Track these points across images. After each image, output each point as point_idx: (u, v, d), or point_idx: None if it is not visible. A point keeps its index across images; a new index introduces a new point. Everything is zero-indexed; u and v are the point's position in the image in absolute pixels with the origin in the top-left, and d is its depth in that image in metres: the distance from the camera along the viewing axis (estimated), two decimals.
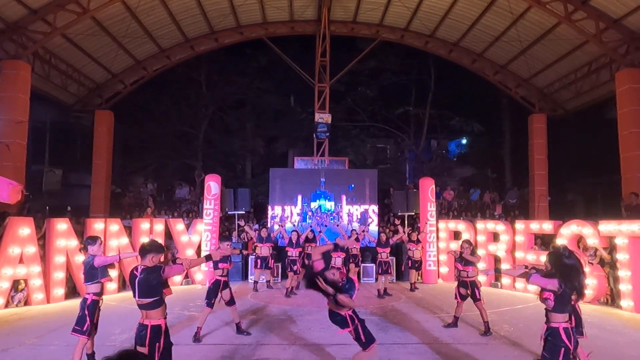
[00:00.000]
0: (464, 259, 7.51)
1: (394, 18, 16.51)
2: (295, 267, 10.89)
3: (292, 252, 11.07)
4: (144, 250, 4.13)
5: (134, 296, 4.09)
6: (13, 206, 11.72)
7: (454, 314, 7.69)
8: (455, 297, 7.63)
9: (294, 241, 11.17)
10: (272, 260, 11.74)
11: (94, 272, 5.34)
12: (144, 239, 11.52)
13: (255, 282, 11.52)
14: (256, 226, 15.46)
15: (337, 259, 10.25)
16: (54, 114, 18.56)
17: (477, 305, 7.35)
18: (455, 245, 12.87)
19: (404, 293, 11.17)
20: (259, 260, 11.48)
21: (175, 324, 7.75)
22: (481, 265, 11.60)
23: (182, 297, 10.30)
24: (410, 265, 11.86)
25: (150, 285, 4.03)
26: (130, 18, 13.87)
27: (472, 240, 12.49)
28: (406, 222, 14.07)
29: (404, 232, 12.28)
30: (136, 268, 4.11)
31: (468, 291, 7.46)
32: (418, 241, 12.00)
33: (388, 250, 10.88)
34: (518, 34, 14.39)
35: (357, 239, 11.75)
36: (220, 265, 7.01)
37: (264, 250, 11.45)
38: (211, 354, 6.08)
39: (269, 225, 14.24)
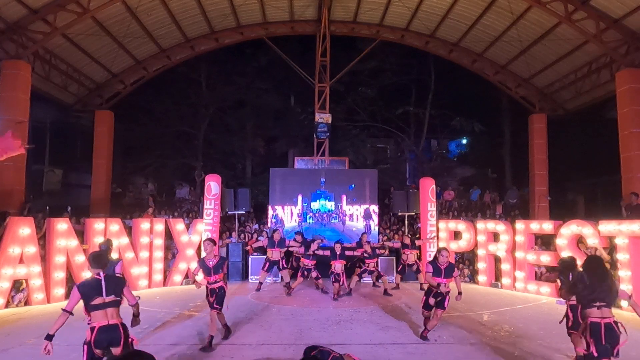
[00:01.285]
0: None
1: (394, 18, 16.50)
2: (340, 279, 10.30)
3: (308, 262, 10.80)
4: (104, 262, 4.68)
5: (101, 295, 4.30)
6: (13, 206, 11.75)
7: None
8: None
9: (337, 253, 10.50)
10: (283, 262, 11.48)
11: None
12: (145, 239, 11.58)
13: (260, 283, 11.54)
14: (255, 226, 15.48)
15: (337, 265, 10.21)
16: (54, 114, 18.57)
17: (437, 313, 6.69)
18: (455, 246, 12.91)
19: (404, 293, 11.17)
20: (267, 263, 11.36)
21: (175, 324, 7.77)
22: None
23: (182, 297, 10.32)
24: (399, 269, 11.84)
25: (119, 287, 4.49)
26: (131, 18, 13.87)
27: (472, 240, 12.52)
28: (406, 222, 14.09)
29: (398, 238, 12.31)
30: (98, 273, 4.45)
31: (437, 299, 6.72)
32: (413, 246, 11.79)
33: (375, 260, 10.91)
34: (518, 34, 14.39)
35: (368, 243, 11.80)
36: (206, 278, 6.67)
37: (275, 254, 11.31)
38: (211, 354, 6.08)
39: (269, 225, 14.25)
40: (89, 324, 4.30)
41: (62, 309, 4.40)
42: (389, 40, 17.64)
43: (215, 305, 6.54)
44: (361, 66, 19.83)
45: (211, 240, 6.98)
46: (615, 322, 4.43)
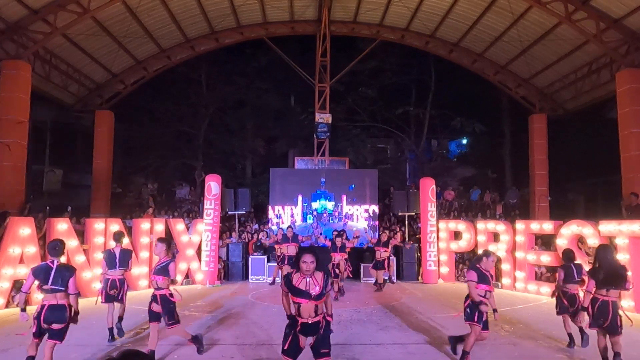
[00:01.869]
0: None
1: (394, 18, 16.50)
2: (338, 271, 10.42)
3: (337, 257, 10.63)
4: (60, 252, 5.21)
5: (47, 283, 4.86)
6: (13, 206, 11.74)
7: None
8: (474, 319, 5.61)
9: (337, 245, 10.65)
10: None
11: None
12: (145, 239, 11.58)
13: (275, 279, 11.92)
14: (255, 226, 15.48)
15: (337, 257, 10.34)
16: (54, 114, 18.57)
17: (483, 335, 5.73)
18: (455, 246, 12.91)
19: (404, 293, 11.17)
20: (285, 258, 11.38)
21: None
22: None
23: (182, 297, 10.30)
24: (374, 266, 11.79)
25: (66, 276, 4.97)
26: (131, 18, 13.87)
27: (472, 240, 12.51)
28: (406, 222, 14.10)
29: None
30: (52, 261, 5.02)
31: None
32: (387, 244, 11.73)
33: (343, 255, 10.68)
34: (518, 34, 14.38)
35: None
36: (154, 277, 6.00)
37: (290, 249, 11.39)
38: (211, 354, 6.09)
39: (269, 225, 14.26)
40: (42, 301, 4.93)
41: (21, 290, 5.23)
42: (389, 40, 17.63)
43: (168, 322, 5.71)
44: (361, 66, 19.83)
45: (160, 239, 6.22)
46: (613, 302, 5.29)
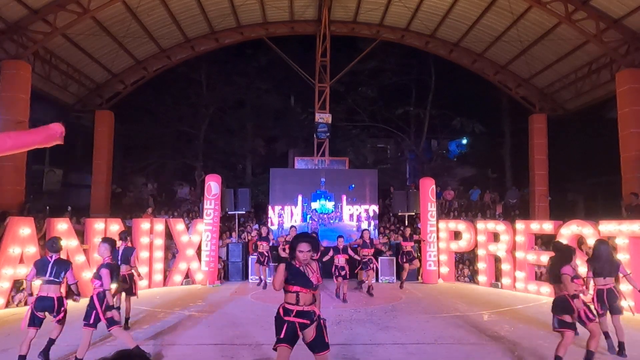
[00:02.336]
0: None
1: (394, 18, 16.50)
2: (344, 273, 10.22)
3: (340, 259, 10.46)
4: (57, 248, 5.69)
5: (45, 275, 5.45)
6: (13, 206, 11.75)
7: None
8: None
9: (340, 247, 10.59)
10: None
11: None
12: (145, 239, 11.58)
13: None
14: (256, 226, 15.47)
15: (341, 259, 10.28)
16: (54, 114, 18.50)
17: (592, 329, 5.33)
18: (455, 246, 12.90)
19: (404, 293, 11.17)
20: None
21: (176, 323, 7.76)
22: None
23: (182, 297, 10.33)
24: (360, 267, 11.61)
25: (63, 270, 5.55)
26: (131, 18, 13.87)
27: (472, 240, 12.49)
28: (406, 222, 14.09)
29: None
30: (51, 256, 5.60)
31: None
32: (371, 245, 11.43)
33: (345, 256, 10.50)
34: (518, 34, 14.39)
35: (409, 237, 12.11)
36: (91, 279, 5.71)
37: None
38: (212, 354, 6.09)
39: (269, 225, 14.25)
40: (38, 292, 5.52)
41: (25, 279, 5.99)
42: (389, 40, 17.64)
43: (83, 319, 5.38)
44: (361, 66, 19.82)
45: (104, 239, 5.95)
46: (615, 287, 6.11)
